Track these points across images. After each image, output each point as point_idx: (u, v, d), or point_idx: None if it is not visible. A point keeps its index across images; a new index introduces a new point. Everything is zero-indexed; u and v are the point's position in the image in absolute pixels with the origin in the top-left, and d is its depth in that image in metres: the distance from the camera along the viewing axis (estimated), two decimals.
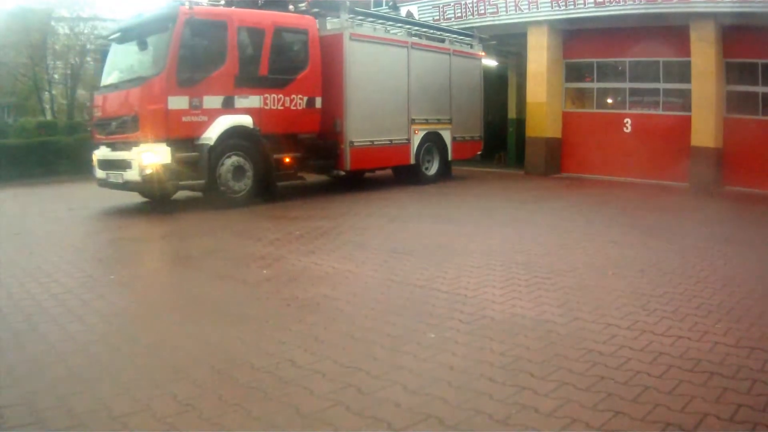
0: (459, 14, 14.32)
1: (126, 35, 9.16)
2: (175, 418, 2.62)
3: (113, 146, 8.80)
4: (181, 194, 9.59)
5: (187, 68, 8.25)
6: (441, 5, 14.61)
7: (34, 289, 4.64)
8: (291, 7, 10.02)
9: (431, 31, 12.33)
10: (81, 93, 27.29)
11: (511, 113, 16.90)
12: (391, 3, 15.04)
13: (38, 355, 3.34)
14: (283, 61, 9.43)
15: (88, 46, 25.75)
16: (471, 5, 14.09)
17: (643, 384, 2.90)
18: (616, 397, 2.77)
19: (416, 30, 11.87)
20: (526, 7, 13.25)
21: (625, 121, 12.99)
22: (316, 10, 10.11)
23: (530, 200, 9.80)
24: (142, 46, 8.52)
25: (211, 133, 8.49)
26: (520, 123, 15.64)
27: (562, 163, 13.94)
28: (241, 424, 2.58)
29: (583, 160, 13.57)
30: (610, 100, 13.68)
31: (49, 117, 24.37)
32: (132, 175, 8.28)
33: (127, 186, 8.71)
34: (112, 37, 9.60)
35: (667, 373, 3.02)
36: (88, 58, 26.14)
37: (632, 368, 3.09)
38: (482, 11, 13.93)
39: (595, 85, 13.74)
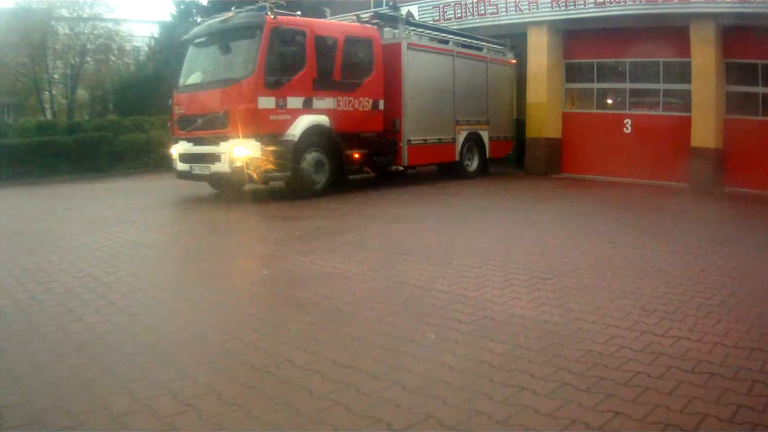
0: (459, 14, 14.33)
1: (210, 39, 9.93)
2: (175, 418, 2.61)
3: (196, 141, 9.54)
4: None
5: (273, 72, 9.06)
6: (441, 5, 14.62)
7: (34, 289, 4.64)
8: (353, 17, 11.19)
9: (472, 40, 13.22)
10: (81, 93, 27.31)
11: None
12: (391, 3, 15.05)
13: (38, 355, 3.34)
14: (353, 67, 10.35)
15: (88, 46, 25.77)
16: (471, 5, 14.10)
17: (643, 385, 2.90)
18: (616, 397, 2.77)
19: (459, 39, 12.82)
20: (526, 7, 13.26)
21: (625, 121, 12.99)
22: (376, 21, 11.16)
23: (530, 200, 9.80)
24: (227, 50, 9.44)
25: (295, 131, 9.33)
26: (520, 123, 15.63)
27: (562, 163, 13.94)
28: (241, 424, 2.58)
29: (583, 160, 13.57)
30: (610, 101, 13.68)
31: (49, 117, 24.36)
32: (221, 167, 9.08)
33: (212, 177, 9.63)
34: (197, 41, 10.30)
35: (667, 374, 3.02)
36: (88, 58, 26.16)
37: (632, 369, 3.09)
38: (482, 12, 13.94)
39: (595, 85, 13.74)
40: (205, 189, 10.97)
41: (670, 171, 11.95)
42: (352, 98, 10.28)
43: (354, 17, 11.19)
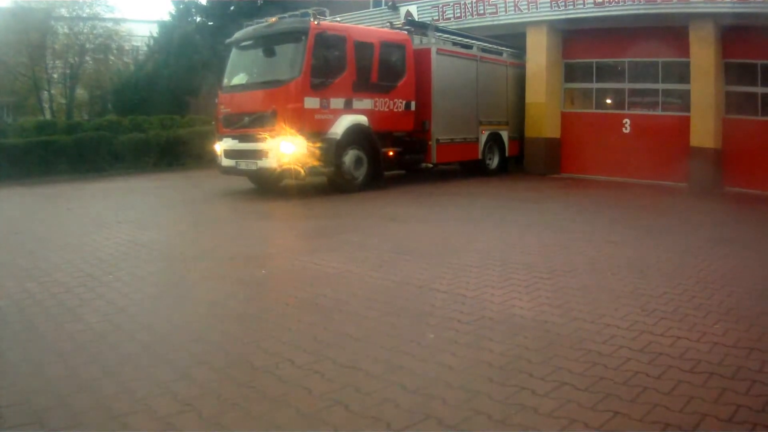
0: (458, 14, 14.33)
1: (255, 43, 10.55)
2: (174, 418, 2.62)
3: (241, 138, 10.12)
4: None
5: (318, 74, 9.68)
6: (440, 5, 14.61)
7: (33, 289, 4.64)
8: (389, 24, 12.08)
9: (493, 45, 13.83)
10: (80, 92, 27.28)
11: None
12: (390, 3, 15.11)
13: (37, 355, 3.34)
14: (388, 71, 10.99)
15: (88, 46, 25.75)
16: (470, 5, 14.09)
17: (643, 384, 2.91)
18: (615, 397, 2.78)
19: (482, 45, 13.45)
20: (526, 7, 13.26)
21: (625, 121, 12.99)
22: (408, 27, 11.95)
23: (529, 200, 9.81)
24: (272, 53, 10.06)
25: (337, 129, 9.97)
26: None
27: (561, 163, 13.94)
28: (241, 424, 2.58)
29: (582, 160, 13.57)
30: (609, 101, 13.68)
31: (48, 116, 24.35)
32: (268, 162, 9.62)
33: (258, 173, 10.13)
34: (242, 44, 10.82)
35: (666, 374, 3.03)
36: (87, 58, 26.14)
37: (631, 368, 3.09)
38: (482, 11, 13.94)
39: (595, 85, 13.75)
40: (205, 188, 10.97)
41: (670, 171, 11.95)
42: (387, 99, 10.92)
43: (387, 24, 12.07)
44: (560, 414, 2.63)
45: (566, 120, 13.97)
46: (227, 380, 3.01)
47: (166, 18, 25.32)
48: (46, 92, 26.46)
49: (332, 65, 9.86)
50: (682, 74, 12.04)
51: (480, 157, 13.14)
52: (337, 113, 10.04)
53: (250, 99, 10.07)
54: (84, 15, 25.79)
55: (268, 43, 10.17)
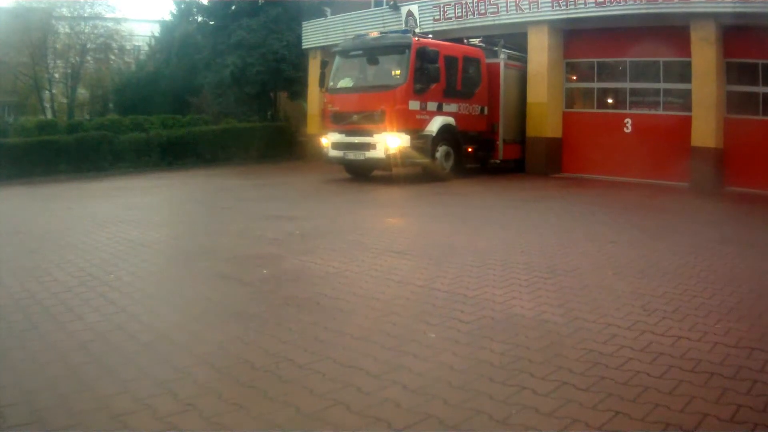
0: (459, 14, 14.31)
1: (363, 53, 12.34)
2: (175, 418, 2.61)
3: (348, 133, 11.85)
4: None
5: (418, 81, 11.51)
6: (441, 5, 14.60)
7: (34, 288, 4.63)
8: (465, 40, 13.60)
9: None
10: (81, 92, 27.29)
11: None
12: (391, 3, 15.14)
13: (38, 354, 3.34)
14: (468, 80, 12.82)
15: (89, 45, 25.76)
16: (471, 5, 14.07)
17: (644, 384, 2.90)
18: (616, 397, 2.77)
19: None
20: (527, 7, 13.24)
21: (626, 121, 12.97)
22: (482, 44, 13.68)
23: (530, 200, 9.80)
24: (377, 62, 12.10)
25: (432, 128, 11.81)
26: None
27: (562, 163, 13.92)
28: (241, 424, 2.58)
29: (583, 160, 13.54)
30: (610, 100, 13.66)
31: (49, 116, 24.36)
32: (376, 154, 11.42)
33: (366, 163, 11.93)
34: (351, 53, 12.58)
35: (668, 374, 3.02)
36: (89, 57, 26.15)
37: (632, 368, 3.09)
38: (483, 11, 13.92)
39: (596, 85, 13.73)
40: (203, 186, 10.96)
41: (671, 170, 11.92)
42: (468, 104, 12.77)
43: (465, 41, 13.62)
44: (561, 414, 2.62)
45: (568, 120, 13.95)
46: (227, 380, 3.01)
47: (168, 18, 25.37)
48: (47, 92, 26.48)
49: (429, 74, 11.59)
50: (684, 74, 12.01)
51: None
52: (432, 114, 11.84)
53: (359, 100, 11.84)
54: (85, 15, 25.79)
55: (374, 53, 12.08)
